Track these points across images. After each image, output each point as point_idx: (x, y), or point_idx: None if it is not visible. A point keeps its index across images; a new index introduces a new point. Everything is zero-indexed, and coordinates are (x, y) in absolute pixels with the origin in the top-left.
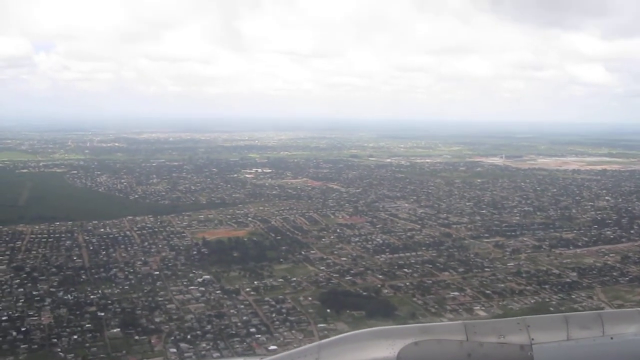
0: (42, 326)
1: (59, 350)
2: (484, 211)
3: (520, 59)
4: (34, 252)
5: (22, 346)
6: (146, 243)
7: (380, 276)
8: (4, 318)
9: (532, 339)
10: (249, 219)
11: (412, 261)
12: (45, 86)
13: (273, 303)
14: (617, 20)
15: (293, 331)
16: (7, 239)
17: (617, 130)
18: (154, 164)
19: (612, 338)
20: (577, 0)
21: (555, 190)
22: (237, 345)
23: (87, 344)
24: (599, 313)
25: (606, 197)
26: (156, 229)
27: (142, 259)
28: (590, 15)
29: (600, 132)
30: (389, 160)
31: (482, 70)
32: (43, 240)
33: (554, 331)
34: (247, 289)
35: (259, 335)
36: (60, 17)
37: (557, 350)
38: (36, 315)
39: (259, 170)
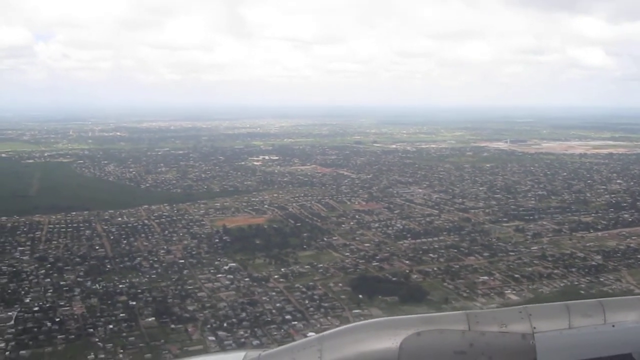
0: (75, 316)
1: (97, 340)
2: (498, 195)
3: (521, 44)
4: (55, 242)
5: (59, 336)
6: (166, 232)
7: (407, 262)
8: (35, 309)
9: (534, 328)
10: (266, 206)
11: (436, 246)
12: (43, 76)
13: (304, 290)
14: (626, 2)
15: (328, 317)
16: (25, 229)
17: (616, 113)
18: (159, 153)
19: (613, 326)
20: None
21: (565, 174)
22: (275, 333)
23: (124, 334)
24: (601, 301)
25: (617, 181)
26: (174, 218)
27: (165, 247)
28: None
29: (600, 115)
30: (394, 146)
31: (483, 55)
32: (62, 230)
33: (555, 319)
34: (276, 276)
35: (295, 322)
36: (59, 5)
37: (559, 339)
38: (68, 305)
39: (266, 157)
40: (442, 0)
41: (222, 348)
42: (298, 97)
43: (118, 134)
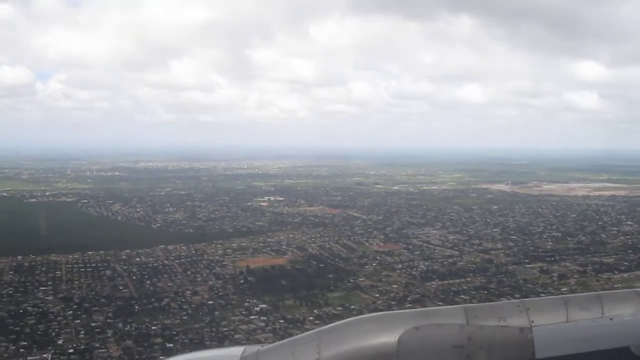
0: (113, 358)
1: None
2: (514, 237)
3: (519, 87)
4: (77, 282)
5: None
6: (189, 272)
7: (440, 303)
8: (70, 351)
9: (532, 322)
10: (284, 247)
11: (464, 287)
12: (39, 115)
13: None
14: (632, 46)
15: None
16: (43, 269)
17: (609, 155)
18: (162, 193)
19: (611, 319)
20: (596, 27)
21: (574, 215)
22: None
23: None
24: (598, 294)
25: (627, 222)
26: (194, 258)
27: (190, 288)
28: (606, 42)
29: (594, 157)
30: (396, 187)
31: (479, 98)
32: (81, 269)
33: (553, 313)
34: (310, 318)
35: None
36: (59, 45)
37: (557, 332)
38: (103, 347)
39: (272, 198)
40: (447, 44)
41: None
42: (293, 138)
43: (117, 173)
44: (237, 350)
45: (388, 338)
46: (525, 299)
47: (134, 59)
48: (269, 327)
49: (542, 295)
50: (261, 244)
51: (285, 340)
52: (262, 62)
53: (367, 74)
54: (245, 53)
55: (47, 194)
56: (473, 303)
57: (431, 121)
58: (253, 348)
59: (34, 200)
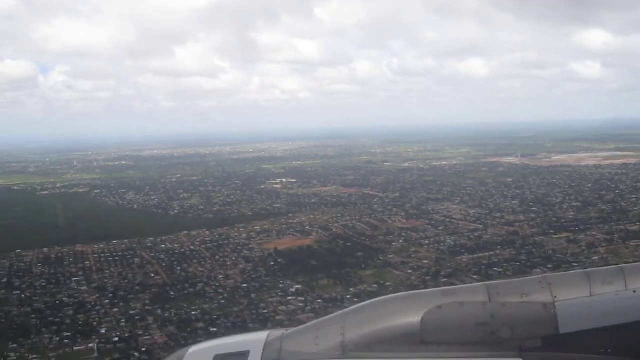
0: (159, 345)
1: None
2: (534, 208)
3: (524, 59)
4: (107, 271)
5: None
6: (217, 257)
7: (475, 277)
8: (115, 339)
9: (555, 297)
10: (307, 227)
11: (495, 260)
12: (40, 108)
13: None
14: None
15: None
16: (71, 260)
17: (614, 125)
18: (173, 180)
19: (634, 291)
20: None
21: (590, 185)
22: None
23: None
24: (621, 267)
25: None
26: (220, 243)
27: (222, 272)
28: (616, 10)
29: (598, 127)
30: (406, 164)
31: (482, 72)
32: (109, 259)
33: (576, 288)
34: (348, 296)
35: None
36: (61, 36)
37: (580, 307)
38: (147, 334)
39: (284, 180)
40: (452, 18)
41: None
42: (296, 120)
43: (124, 162)
44: (262, 334)
45: (411, 318)
46: (548, 274)
47: (137, 46)
48: (309, 307)
49: (574, 265)
50: (284, 226)
51: (309, 324)
52: (266, 44)
53: (371, 52)
54: (250, 36)
55: (58, 185)
56: (507, 275)
57: (434, 97)
58: (277, 332)
59: (46, 192)
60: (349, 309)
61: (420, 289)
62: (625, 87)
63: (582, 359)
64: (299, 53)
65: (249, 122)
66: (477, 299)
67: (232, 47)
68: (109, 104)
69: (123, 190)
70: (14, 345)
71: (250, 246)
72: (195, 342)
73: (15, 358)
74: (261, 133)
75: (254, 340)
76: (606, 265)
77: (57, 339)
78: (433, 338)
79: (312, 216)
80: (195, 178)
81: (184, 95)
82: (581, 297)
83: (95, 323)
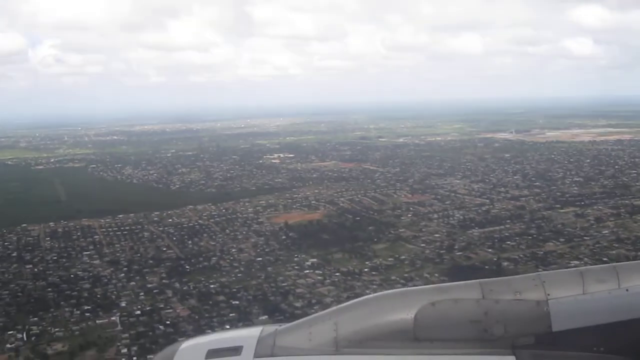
0: (182, 318)
1: None
2: (537, 183)
3: (517, 35)
4: (118, 245)
5: (179, 339)
6: (227, 231)
7: (489, 250)
8: (137, 312)
9: (548, 295)
10: (313, 202)
11: (507, 234)
12: (27, 83)
13: (404, 282)
14: None
15: None
16: (79, 234)
17: (604, 102)
18: (168, 155)
19: (627, 290)
20: None
21: (589, 160)
22: None
23: None
24: (614, 266)
25: None
26: (227, 217)
27: (234, 246)
28: None
29: (588, 104)
30: (401, 140)
31: (473, 48)
32: (117, 233)
33: (569, 286)
34: (366, 270)
35: None
36: (52, 9)
37: (574, 304)
38: (169, 307)
39: (281, 155)
40: None
41: None
42: (285, 96)
43: (115, 137)
44: (255, 330)
45: (404, 314)
46: (541, 272)
47: (129, 19)
48: (328, 281)
49: (586, 239)
50: (289, 200)
51: (302, 320)
52: (260, 18)
53: (364, 27)
54: (244, 9)
55: (52, 160)
56: (522, 249)
57: (425, 73)
58: (271, 328)
59: (41, 167)
60: (342, 305)
61: (433, 264)
62: (615, 65)
63: (574, 357)
64: (292, 28)
65: (239, 98)
66: (470, 296)
67: (226, 20)
68: (97, 78)
69: (119, 165)
70: (35, 318)
71: (259, 220)
72: (220, 315)
73: (38, 331)
74: (251, 108)
75: (247, 335)
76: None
77: (78, 312)
78: (426, 335)
79: (316, 191)
80: (190, 153)
81: (174, 70)
82: (574, 295)
83: (113, 296)
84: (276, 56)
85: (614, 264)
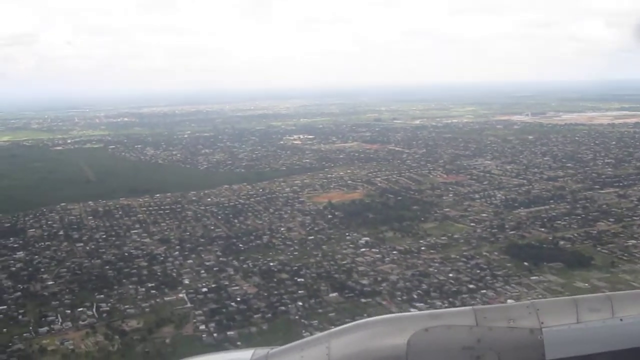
0: (251, 295)
1: (296, 317)
2: (569, 165)
3: (527, 18)
4: (163, 224)
5: (255, 316)
6: (271, 210)
7: (542, 229)
8: (204, 290)
9: (542, 323)
10: (349, 182)
11: (553, 214)
12: (28, 67)
13: (464, 260)
14: None
15: (512, 285)
16: (120, 213)
17: (612, 85)
18: (185, 136)
19: (621, 319)
20: None
21: (614, 142)
22: (472, 301)
23: (320, 310)
24: (608, 295)
25: None
26: (267, 196)
27: (283, 225)
28: None
29: (596, 88)
30: (417, 122)
31: (480, 31)
32: (159, 212)
33: (563, 314)
34: (423, 248)
35: (484, 291)
36: None
37: (567, 333)
38: (234, 285)
39: (301, 136)
40: None
41: None
42: (291, 78)
43: (126, 119)
44: (247, 353)
45: (397, 340)
46: (535, 300)
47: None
48: (388, 259)
49: (635, 219)
50: (324, 180)
51: (294, 343)
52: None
53: (371, 10)
54: None
55: (69, 141)
56: (574, 228)
57: (430, 57)
58: (262, 351)
59: (60, 148)
60: (335, 329)
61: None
62: (626, 48)
63: None
64: (299, 9)
65: (241, 81)
66: (464, 322)
67: (230, 2)
68: (98, 61)
69: (139, 146)
70: (100, 295)
71: (300, 199)
72: (289, 292)
73: (108, 308)
74: (255, 91)
75: (238, 358)
76: None
77: (142, 289)
78: None
79: (348, 171)
80: (207, 134)
81: (176, 53)
82: (568, 324)
83: (174, 274)
84: (281, 39)
85: (607, 293)
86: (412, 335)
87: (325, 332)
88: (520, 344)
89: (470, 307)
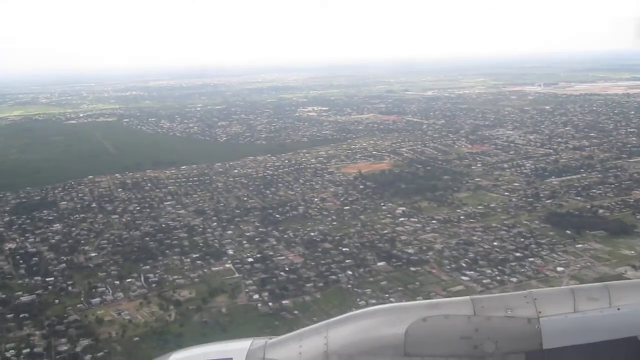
0: (299, 265)
1: (349, 286)
2: (592, 134)
3: None
4: (195, 195)
5: (307, 285)
6: (301, 181)
7: (578, 198)
8: (250, 260)
9: (540, 312)
10: (374, 152)
11: (585, 183)
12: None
13: (506, 228)
14: None
15: (559, 252)
16: (149, 184)
17: (610, 56)
18: (197, 109)
19: (618, 309)
20: None
21: (633, 112)
22: (520, 269)
23: (371, 279)
24: (606, 284)
25: None
26: (294, 167)
27: (315, 195)
28: None
29: (595, 58)
30: (429, 93)
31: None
32: (189, 183)
33: (561, 304)
34: (462, 217)
35: (532, 259)
36: None
37: (565, 323)
38: (279, 255)
39: (315, 108)
40: None
41: (484, 287)
42: (291, 51)
43: (134, 93)
44: (246, 342)
45: (396, 330)
46: (533, 290)
47: None
48: (428, 228)
49: None
50: (348, 151)
51: (293, 333)
52: None
53: None
54: None
55: (81, 115)
56: (610, 197)
57: (427, 30)
58: (261, 340)
59: (73, 122)
60: (333, 319)
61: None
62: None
63: None
64: None
65: (239, 53)
66: (462, 312)
67: None
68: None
69: (153, 119)
70: (146, 266)
71: (329, 170)
72: (334, 262)
73: (156, 279)
74: (252, 64)
75: (237, 348)
76: None
77: (187, 260)
78: (417, 350)
79: (371, 142)
80: (220, 107)
81: (172, 25)
82: (566, 314)
83: (216, 245)
84: (274, 12)
85: (605, 282)
86: (410, 325)
87: (324, 322)
88: (518, 333)
89: (468, 297)
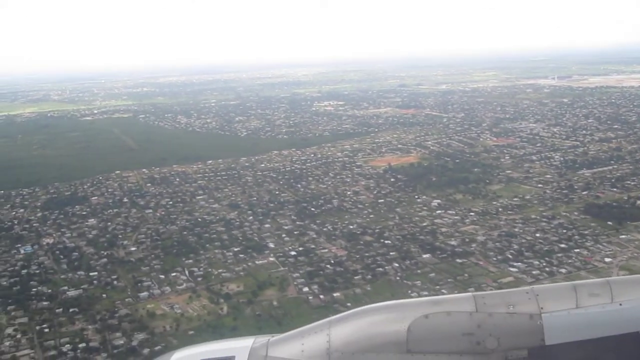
0: (343, 258)
1: (397, 278)
2: (616, 126)
3: None
4: (226, 189)
5: (355, 277)
6: (331, 174)
7: (613, 189)
8: (292, 253)
9: (542, 308)
10: (400, 146)
11: (618, 174)
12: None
13: (545, 220)
14: None
15: (604, 244)
16: (178, 179)
17: (614, 49)
18: (212, 104)
19: (620, 304)
20: None
21: None
22: (567, 260)
23: (418, 271)
24: (608, 280)
25: None
26: (321, 161)
27: (347, 189)
28: None
29: (602, 52)
30: (443, 87)
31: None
32: (217, 178)
33: (562, 300)
34: (500, 209)
35: (578, 250)
36: None
37: (567, 318)
38: (321, 248)
39: (332, 102)
40: None
41: (534, 278)
42: (295, 48)
43: (145, 89)
44: (248, 340)
45: (398, 326)
46: (535, 286)
47: None
48: (468, 220)
49: None
50: (374, 145)
51: (295, 330)
52: None
53: None
54: None
55: (96, 112)
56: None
57: (436, 25)
58: (263, 338)
59: (89, 118)
60: (335, 316)
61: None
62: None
63: None
64: None
65: (244, 51)
66: (464, 308)
67: None
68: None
69: (169, 115)
70: (189, 260)
71: (357, 164)
72: (380, 255)
73: (201, 272)
74: (258, 61)
75: (239, 346)
76: None
77: (230, 254)
78: (419, 347)
79: (394, 135)
80: (234, 103)
81: (175, 22)
82: (567, 309)
83: (256, 238)
84: (279, 8)
85: (607, 278)
86: (412, 322)
87: (326, 320)
88: (520, 329)
89: (470, 293)
